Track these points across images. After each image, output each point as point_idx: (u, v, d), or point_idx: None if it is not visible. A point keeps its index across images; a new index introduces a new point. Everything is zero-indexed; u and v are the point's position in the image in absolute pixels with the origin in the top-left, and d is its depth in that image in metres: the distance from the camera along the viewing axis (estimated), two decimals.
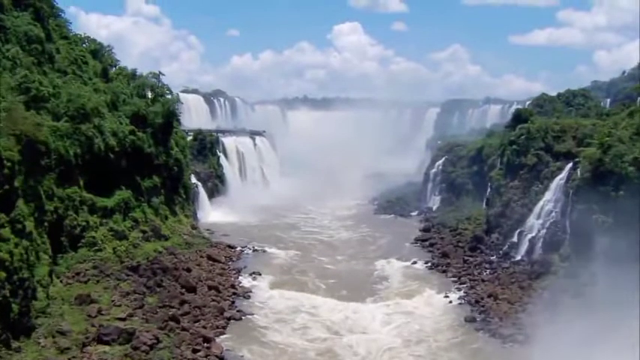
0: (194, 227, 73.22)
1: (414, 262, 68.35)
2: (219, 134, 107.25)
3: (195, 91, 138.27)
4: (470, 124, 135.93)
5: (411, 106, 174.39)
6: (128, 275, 51.40)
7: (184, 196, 74.96)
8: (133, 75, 73.12)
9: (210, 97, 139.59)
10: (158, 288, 51.20)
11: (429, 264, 67.78)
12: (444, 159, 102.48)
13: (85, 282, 48.90)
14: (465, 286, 60.02)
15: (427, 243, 76.69)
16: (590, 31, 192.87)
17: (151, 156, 66.15)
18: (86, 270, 50.35)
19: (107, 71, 67.95)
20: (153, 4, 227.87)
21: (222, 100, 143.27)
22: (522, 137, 68.14)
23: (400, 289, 58.50)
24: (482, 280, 60.60)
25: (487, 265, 64.38)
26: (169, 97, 71.86)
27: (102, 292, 47.76)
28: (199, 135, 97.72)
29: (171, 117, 69.41)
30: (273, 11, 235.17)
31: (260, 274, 61.58)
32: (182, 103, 72.18)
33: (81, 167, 55.48)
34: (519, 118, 72.54)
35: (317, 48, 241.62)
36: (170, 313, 46.67)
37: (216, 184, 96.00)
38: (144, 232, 61.72)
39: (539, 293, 53.37)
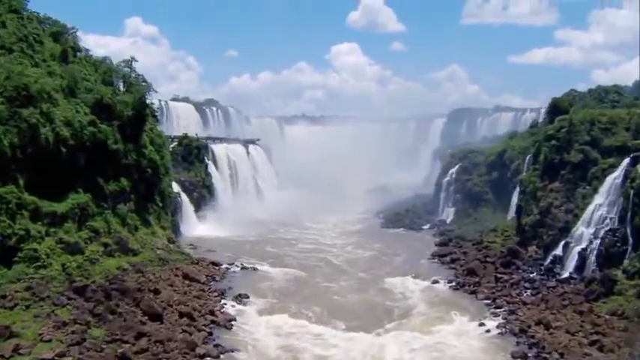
0: (171, 241, 60.33)
1: (435, 282, 55.43)
2: (208, 141, 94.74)
3: (185, 100, 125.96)
4: (480, 133, 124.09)
5: (413, 118, 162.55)
6: (70, 299, 38.43)
7: (160, 204, 62.19)
8: (101, 62, 60.78)
9: (201, 107, 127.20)
10: (111, 315, 38.15)
11: (454, 283, 54.89)
12: (457, 166, 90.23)
13: (11, 308, 36.16)
14: (502, 310, 47.14)
15: (447, 259, 63.81)
16: (587, 49, 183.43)
17: (117, 154, 53.59)
18: (16, 292, 37.57)
19: (67, 55, 55.59)
20: (151, 25, 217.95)
21: (214, 109, 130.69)
22: (563, 130, 55.98)
23: (424, 317, 45.42)
24: (524, 303, 47.74)
25: (527, 284, 51.56)
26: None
27: (30, 322, 34.86)
28: (184, 140, 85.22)
29: (143, 109, 56.98)
30: (271, 32, 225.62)
31: (248, 298, 48.54)
32: (156, 92, 60.31)
33: (21, 162, 43.35)
34: (557, 109, 60.29)
35: (315, 68, 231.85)
36: (120, 350, 33.71)
37: (203, 195, 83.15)
38: (106, 245, 49.12)
39: (607, 320, 40.51)
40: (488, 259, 58.58)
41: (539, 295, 48.31)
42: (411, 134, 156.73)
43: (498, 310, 47.43)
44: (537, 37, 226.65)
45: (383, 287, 53.37)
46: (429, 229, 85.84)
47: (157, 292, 44.92)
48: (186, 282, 50.04)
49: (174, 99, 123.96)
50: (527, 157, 72.24)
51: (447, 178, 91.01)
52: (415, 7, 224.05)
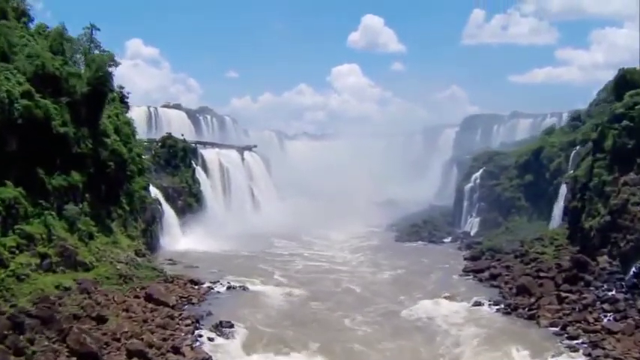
0: (141, 253, 46.58)
1: (477, 304, 41.60)
2: (198, 146, 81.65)
3: (177, 107, 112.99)
4: (497, 140, 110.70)
5: (420, 130, 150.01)
6: None
7: (128, 208, 48.70)
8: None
9: (195, 114, 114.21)
10: (15, 358, 24.40)
11: (502, 305, 41.11)
12: (482, 171, 76.98)
13: None
14: (580, 342, 33.54)
15: (485, 274, 50.10)
16: (588, 69, 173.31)
17: (65, 139, 40.44)
18: None
19: (7, 17, 42.45)
20: (152, 47, 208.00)
21: (209, 118, 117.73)
22: (638, 108, 42.65)
23: (476, 352, 31.52)
24: (610, 332, 33.97)
25: (606, 306, 37.48)
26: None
27: None
28: (168, 140, 72.08)
29: (103, 84, 43.82)
30: (271, 53, 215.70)
31: (231, 327, 34.61)
32: (120, 63, 47.36)
33: None
34: (624, 82, 46.80)
35: (316, 90, 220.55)
36: None
37: (189, 204, 69.60)
38: (43, 256, 36.08)
39: None
40: (542, 274, 44.60)
41: (630, 321, 34.47)
42: (419, 146, 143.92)
43: (574, 341, 33.75)
44: (538, 56, 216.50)
45: (408, 308, 39.56)
46: (451, 242, 72.45)
47: (101, 319, 31.24)
48: (150, 306, 36.22)
49: (166, 105, 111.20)
50: (573, 153, 59.48)
51: (470, 185, 77.63)
52: (415, 28, 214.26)
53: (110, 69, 49.38)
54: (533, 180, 66.65)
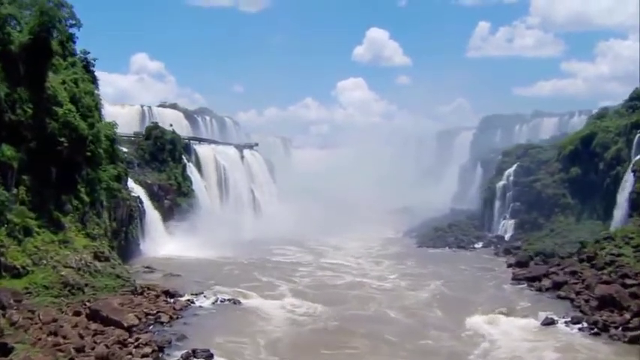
0: (102, 257, 34.89)
1: (550, 323, 30.07)
2: (192, 142, 70.67)
3: (174, 106, 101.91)
4: (520, 141, 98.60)
5: (433, 135, 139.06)
6: None
7: (88, 200, 37.26)
8: None
9: (192, 115, 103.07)
10: None
11: (585, 324, 29.58)
12: (515, 166, 65.38)
13: None
14: None
15: (545, 283, 38.46)
16: (593, 81, 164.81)
17: None
18: None
19: None
20: (157, 61, 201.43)
21: (208, 118, 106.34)
22: None
23: None
24: None
25: None
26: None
27: None
28: (154, 131, 60.91)
29: (47, 32, 32.63)
30: (277, 67, 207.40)
31: (210, 357, 23.09)
32: (81, 25, 36.70)
33: None
34: None
35: (321, 104, 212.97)
36: None
37: (177, 203, 58.17)
38: None
39: None
40: (629, 281, 32.87)
41: None
42: (432, 151, 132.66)
43: None
44: (543, 69, 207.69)
45: (455, 325, 28.04)
46: (483, 247, 60.75)
47: (3, 350, 19.67)
48: (94, 327, 24.67)
49: (162, 105, 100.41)
50: (637, 136, 48.09)
51: (503, 182, 65.97)
52: (420, 41, 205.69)
53: (72, 30, 39.28)
54: (582, 173, 55.29)
